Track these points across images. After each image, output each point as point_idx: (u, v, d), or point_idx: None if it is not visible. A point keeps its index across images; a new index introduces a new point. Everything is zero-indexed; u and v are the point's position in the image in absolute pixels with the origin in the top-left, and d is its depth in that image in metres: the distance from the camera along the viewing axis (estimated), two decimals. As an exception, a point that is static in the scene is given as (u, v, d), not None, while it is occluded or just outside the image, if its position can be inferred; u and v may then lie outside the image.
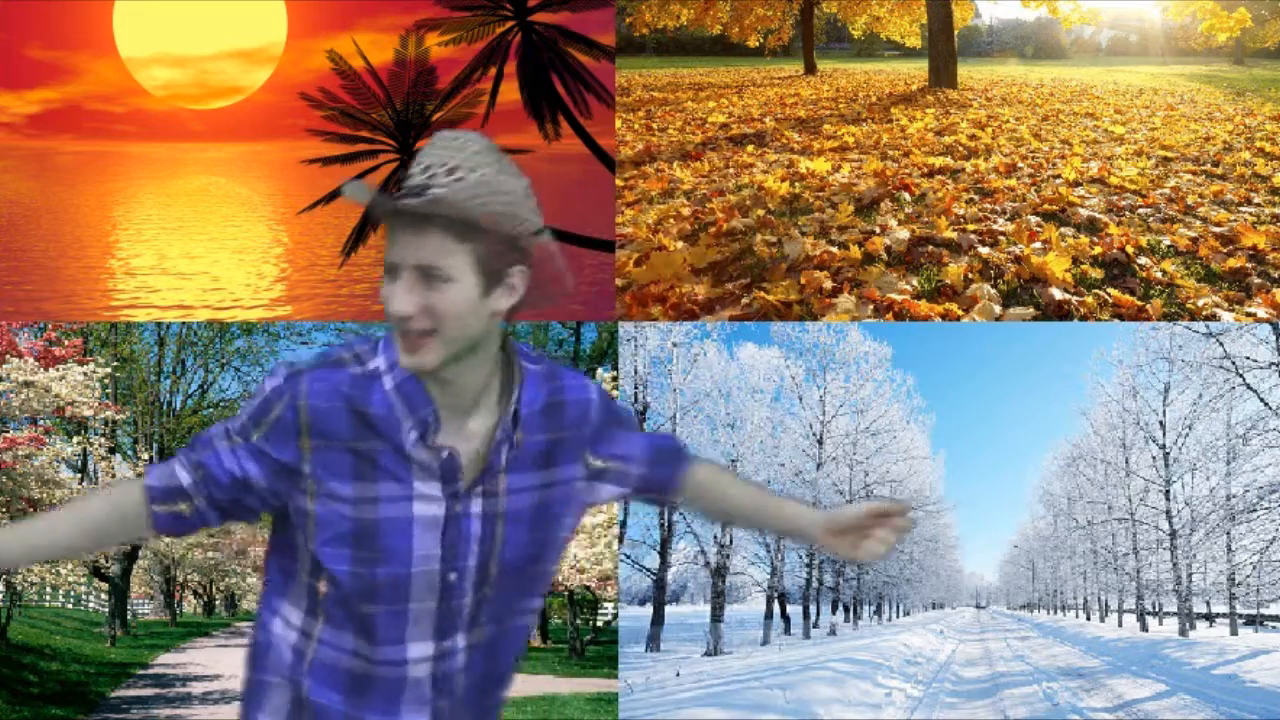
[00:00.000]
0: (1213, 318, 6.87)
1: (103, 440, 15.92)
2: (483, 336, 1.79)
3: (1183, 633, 18.47)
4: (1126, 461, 21.19)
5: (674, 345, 12.34)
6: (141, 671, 13.41)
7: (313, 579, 1.85)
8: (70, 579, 12.55)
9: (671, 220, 8.88)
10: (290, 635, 1.91)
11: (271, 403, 1.80)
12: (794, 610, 23.82)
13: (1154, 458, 19.23)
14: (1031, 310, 6.82)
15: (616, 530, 11.81)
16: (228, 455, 1.82)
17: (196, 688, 11.93)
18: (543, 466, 1.90)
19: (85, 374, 10.97)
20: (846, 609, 26.96)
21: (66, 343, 11.66)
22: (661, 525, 12.38)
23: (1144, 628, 22.41)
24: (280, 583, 1.93)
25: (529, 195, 1.78)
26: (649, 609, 12.82)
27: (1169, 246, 7.73)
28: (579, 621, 15.32)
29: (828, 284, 7.13)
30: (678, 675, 10.70)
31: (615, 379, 11.69)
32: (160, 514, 1.85)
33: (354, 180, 1.81)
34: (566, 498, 1.95)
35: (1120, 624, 26.49)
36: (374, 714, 1.86)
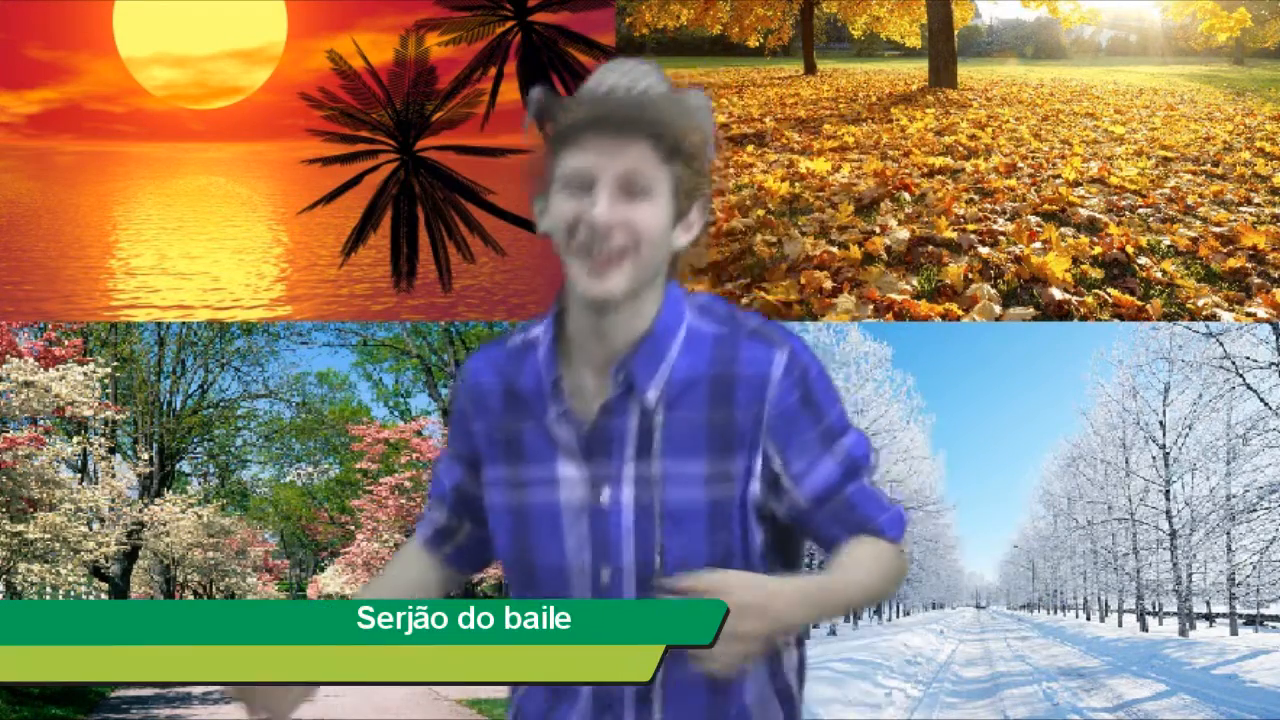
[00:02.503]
0: (1213, 318, 6.87)
1: (103, 440, 15.91)
2: (656, 277, 1.58)
3: (1183, 633, 18.46)
4: (1126, 461, 21.19)
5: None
6: (141, 671, 13.39)
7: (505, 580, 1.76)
8: (70, 579, 12.55)
9: (671, 220, 8.87)
10: None
11: (454, 397, 1.74)
12: (794, 610, 23.81)
13: (1154, 458, 19.23)
14: (1031, 310, 6.82)
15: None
16: (444, 471, 1.77)
17: (196, 688, 11.93)
18: (713, 452, 1.59)
19: (85, 374, 10.98)
20: (846, 609, 26.95)
21: (66, 343, 11.66)
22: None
23: (1144, 628, 22.40)
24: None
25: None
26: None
27: (1169, 246, 7.73)
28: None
29: (828, 284, 7.13)
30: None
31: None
32: (449, 555, 1.81)
33: (538, 92, 1.60)
34: (746, 500, 1.61)
35: (1120, 624, 26.46)
36: (569, 712, 1.67)
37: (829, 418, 1.61)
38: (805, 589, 1.52)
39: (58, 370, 10.84)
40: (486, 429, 1.66)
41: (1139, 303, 6.85)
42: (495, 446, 1.66)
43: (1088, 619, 32.55)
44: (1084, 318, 6.85)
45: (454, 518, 1.78)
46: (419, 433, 19.75)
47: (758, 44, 17.04)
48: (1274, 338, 13.73)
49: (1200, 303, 6.82)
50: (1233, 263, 7.35)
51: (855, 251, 7.54)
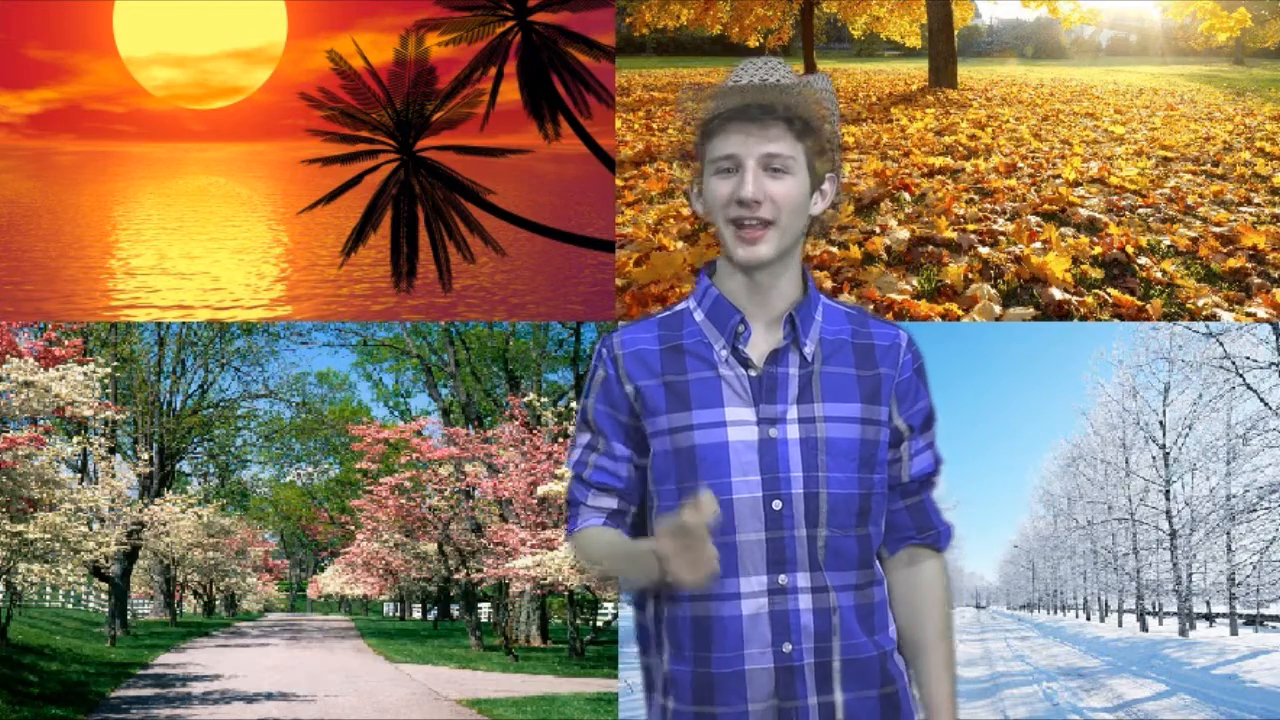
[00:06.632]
0: (1213, 318, 6.87)
1: (103, 440, 15.91)
2: (798, 241, 1.84)
3: (1183, 633, 18.45)
4: (1126, 461, 21.16)
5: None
6: (141, 671, 13.40)
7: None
8: (70, 579, 12.54)
9: (671, 220, 8.88)
10: (649, 609, 1.89)
11: (595, 368, 1.90)
12: (794, 610, 23.75)
13: (1154, 458, 19.20)
14: (1031, 310, 6.82)
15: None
16: (607, 459, 1.88)
17: (196, 688, 11.92)
18: (865, 400, 1.84)
19: (85, 374, 10.96)
20: (846, 609, 26.86)
21: (66, 343, 11.65)
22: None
23: (1144, 628, 22.38)
24: None
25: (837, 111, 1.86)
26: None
27: (1169, 246, 7.73)
28: (579, 621, 15.33)
29: (828, 284, 7.13)
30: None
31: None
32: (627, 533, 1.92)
33: (688, 89, 1.87)
34: (885, 447, 1.87)
35: (1120, 624, 26.45)
36: (720, 657, 1.78)
37: (930, 397, 1.92)
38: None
39: (58, 370, 10.83)
40: (649, 385, 1.84)
41: (1139, 303, 6.84)
42: (658, 399, 1.83)
43: (1088, 619, 32.52)
44: (1084, 318, 6.85)
45: (624, 501, 1.90)
46: (419, 433, 19.72)
47: (758, 44, 17.01)
48: (1274, 338, 13.71)
49: (1200, 303, 6.82)
50: (1233, 263, 7.35)
51: (855, 251, 7.53)
